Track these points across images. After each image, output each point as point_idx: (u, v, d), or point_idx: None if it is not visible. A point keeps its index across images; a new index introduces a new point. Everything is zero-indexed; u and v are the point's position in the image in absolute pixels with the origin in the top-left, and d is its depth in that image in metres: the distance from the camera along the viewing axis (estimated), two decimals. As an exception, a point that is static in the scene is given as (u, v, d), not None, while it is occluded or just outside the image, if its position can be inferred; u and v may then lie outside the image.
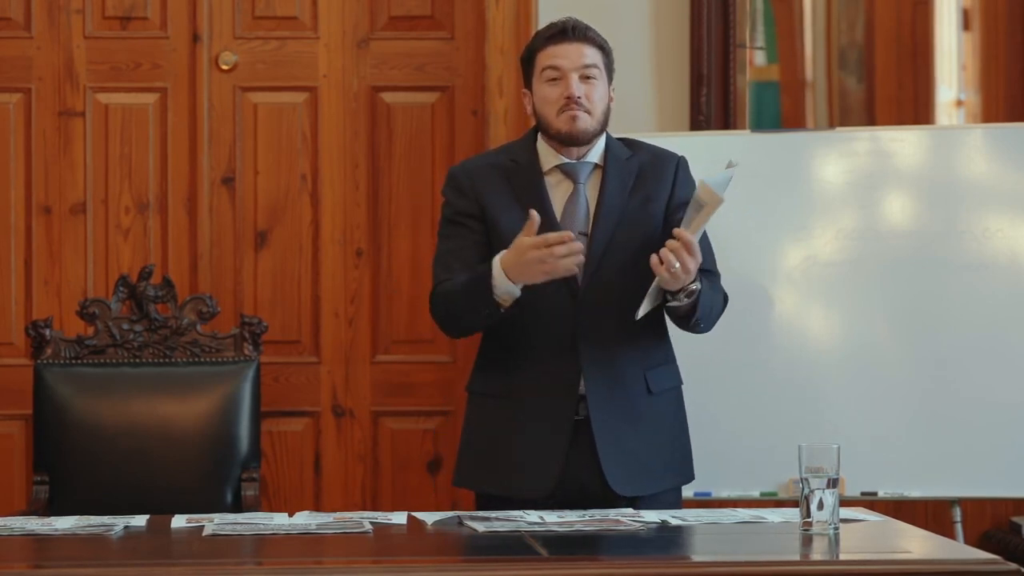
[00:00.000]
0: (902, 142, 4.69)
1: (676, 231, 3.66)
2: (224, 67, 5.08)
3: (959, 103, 5.68)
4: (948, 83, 5.69)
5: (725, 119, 4.96)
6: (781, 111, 5.62)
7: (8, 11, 5.05)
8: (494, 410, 3.91)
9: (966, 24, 5.65)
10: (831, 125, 5.57)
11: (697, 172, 3.99)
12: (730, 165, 3.67)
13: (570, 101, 3.84)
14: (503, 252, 3.76)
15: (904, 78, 5.68)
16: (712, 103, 4.94)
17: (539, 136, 3.94)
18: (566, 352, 3.83)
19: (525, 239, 3.69)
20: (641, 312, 3.75)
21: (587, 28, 3.92)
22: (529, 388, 3.85)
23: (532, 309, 3.82)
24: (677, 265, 3.65)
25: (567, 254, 3.68)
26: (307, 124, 5.10)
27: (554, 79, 3.87)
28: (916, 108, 5.67)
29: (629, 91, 4.79)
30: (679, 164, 3.98)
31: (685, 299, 3.76)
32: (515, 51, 4.89)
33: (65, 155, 5.06)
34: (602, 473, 3.80)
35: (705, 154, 4.46)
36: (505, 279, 3.73)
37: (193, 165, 5.08)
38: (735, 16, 4.97)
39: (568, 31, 3.88)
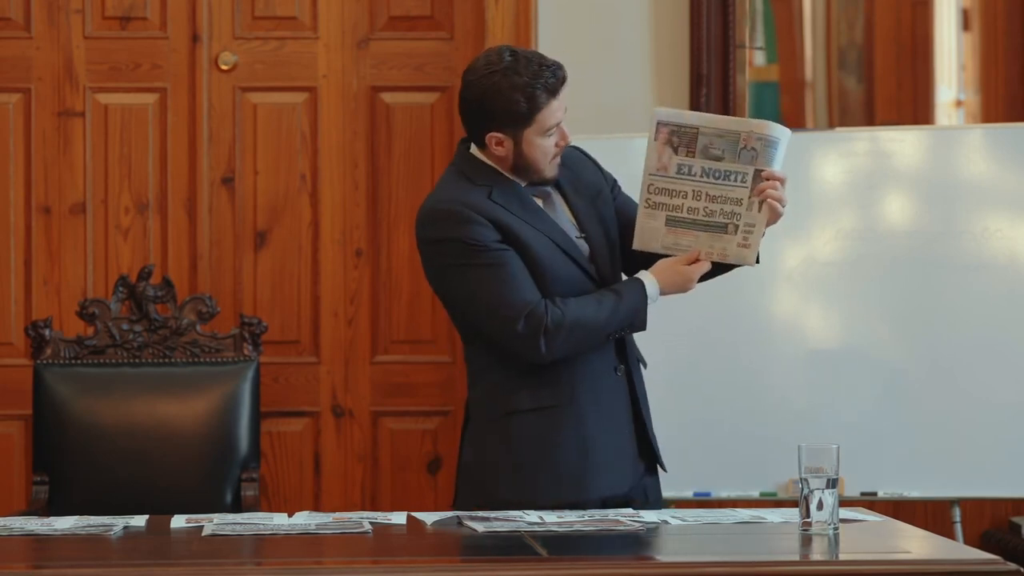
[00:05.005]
0: (901, 142, 4.69)
1: (767, 172, 3.69)
2: (224, 67, 5.08)
3: (959, 103, 5.67)
4: (948, 83, 5.69)
5: (724, 119, 4.95)
6: (780, 111, 5.62)
7: (8, 11, 5.05)
8: (555, 421, 3.82)
9: (966, 24, 5.65)
10: (830, 125, 5.56)
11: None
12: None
13: (560, 149, 3.74)
14: (651, 273, 3.74)
15: (904, 78, 5.68)
16: (712, 103, 4.94)
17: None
18: (608, 349, 3.79)
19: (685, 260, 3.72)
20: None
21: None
22: (584, 392, 3.80)
23: None
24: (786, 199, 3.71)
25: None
26: (307, 124, 5.10)
27: (552, 129, 3.72)
28: (916, 108, 5.67)
29: (629, 91, 4.79)
30: (584, 152, 3.89)
31: None
32: (515, 51, 4.88)
33: (65, 155, 5.06)
34: (653, 453, 3.82)
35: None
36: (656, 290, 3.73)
37: (193, 165, 5.08)
38: (735, 16, 4.97)
39: (563, 82, 3.72)
